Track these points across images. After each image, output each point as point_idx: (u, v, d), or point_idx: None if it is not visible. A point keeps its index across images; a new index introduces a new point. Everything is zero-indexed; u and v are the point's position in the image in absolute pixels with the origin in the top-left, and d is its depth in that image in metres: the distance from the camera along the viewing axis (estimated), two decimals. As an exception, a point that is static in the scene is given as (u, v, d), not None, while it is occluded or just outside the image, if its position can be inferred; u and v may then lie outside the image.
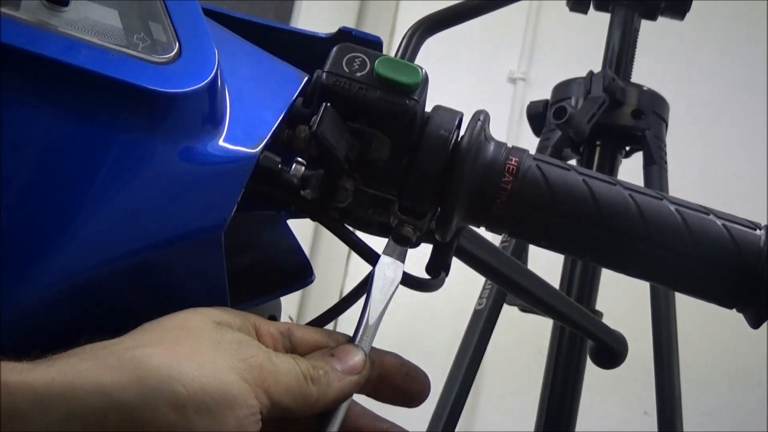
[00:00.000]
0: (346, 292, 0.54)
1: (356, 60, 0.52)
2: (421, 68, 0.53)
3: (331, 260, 2.39)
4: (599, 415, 1.96)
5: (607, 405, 2.02)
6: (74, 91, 0.43)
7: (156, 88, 0.44)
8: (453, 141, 0.53)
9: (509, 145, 0.55)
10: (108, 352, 0.41)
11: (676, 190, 0.60)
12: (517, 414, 2.07)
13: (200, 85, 0.46)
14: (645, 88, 1.25)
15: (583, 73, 1.23)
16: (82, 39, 0.44)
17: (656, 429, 1.20)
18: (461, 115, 0.54)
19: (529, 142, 1.04)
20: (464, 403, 1.21)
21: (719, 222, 0.53)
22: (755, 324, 0.53)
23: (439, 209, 0.54)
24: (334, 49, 0.53)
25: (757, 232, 0.53)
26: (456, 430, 1.20)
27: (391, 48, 2.34)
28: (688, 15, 1.25)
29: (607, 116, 1.20)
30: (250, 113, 0.50)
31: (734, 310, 0.54)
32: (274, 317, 0.65)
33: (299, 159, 0.55)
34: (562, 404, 1.22)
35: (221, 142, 0.47)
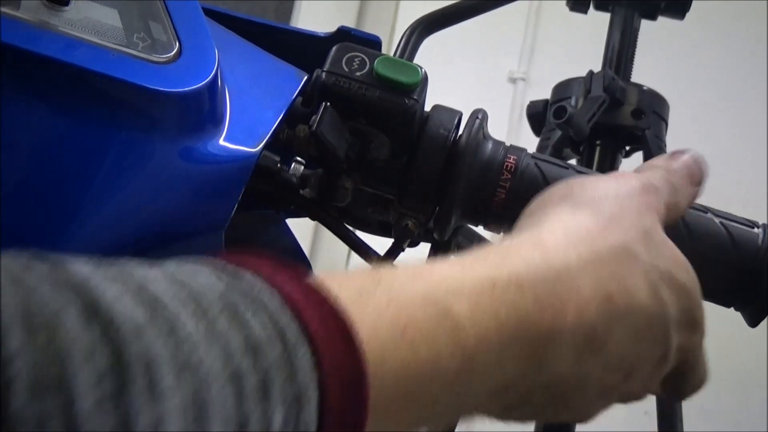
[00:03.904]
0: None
1: (356, 59, 0.52)
2: (421, 68, 0.53)
3: (331, 260, 2.39)
4: (599, 415, 1.96)
5: (607, 405, 2.02)
6: (74, 90, 0.43)
7: (156, 88, 0.44)
8: (452, 140, 0.53)
9: (508, 144, 0.55)
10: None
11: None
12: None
13: (200, 84, 0.46)
14: (645, 88, 1.25)
15: (583, 73, 1.23)
16: (82, 38, 0.44)
17: (656, 429, 1.20)
18: (460, 114, 0.54)
19: (529, 142, 1.04)
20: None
21: (717, 220, 0.53)
22: (753, 322, 0.54)
23: (438, 208, 0.54)
24: (334, 48, 0.53)
25: (755, 230, 0.53)
26: (456, 429, 1.20)
27: (391, 48, 2.34)
28: (688, 15, 1.25)
29: (607, 116, 1.20)
30: (250, 112, 0.50)
31: (732, 308, 0.54)
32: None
33: (298, 158, 0.55)
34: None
35: (221, 142, 0.47)
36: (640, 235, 0.42)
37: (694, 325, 0.45)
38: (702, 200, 0.54)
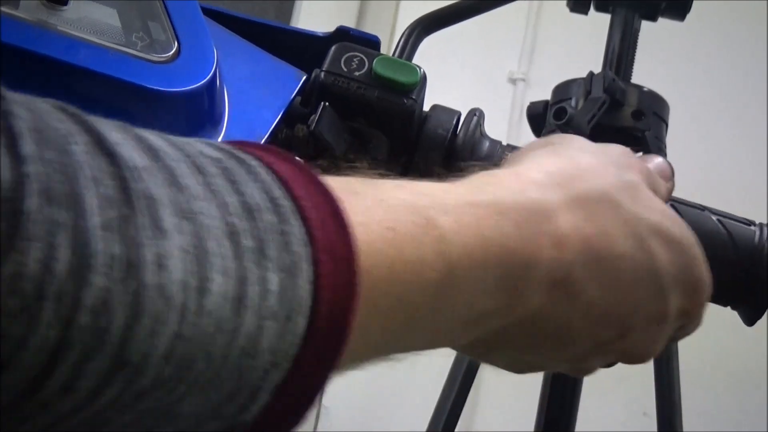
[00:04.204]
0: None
1: (354, 59, 0.52)
2: (420, 67, 0.53)
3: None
4: (599, 416, 1.96)
5: (606, 405, 2.02)
6: (72, 89, 0.43)
7: (154, 87, 0.44)
8: (449, 139, 0.53)
9: (505, 143, 0.55)
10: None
11: (676, 190, 0.61)
12: (517, 414, 2.06)
13: (199, 84, 0.46)
14: (645, 89, 1.24)
15: (584, 74, 1.23)
16: (81, 38, 0.44)
17: (656, 430, 1.20)
18: (459, 114, 0.54)
19: (529, 142, 1.04)
20: (464, 402, 1.21)
21: (714, 218, 0.53)
22: (750, 321, 0.53)
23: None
24: (333, 48, 0.53)
25: (752, 227, 0.53)
26: (456, 429, 1.20)
27: (392, 48, 2.34)
28: (689, 16, 1.25)
29: (607, 117, 1.20)
30: (248, 112, 0.50)
31: (729, 308, 0.54)
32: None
33: (297, 158, 0.55)
34: (562, 404, 1.22)
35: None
36: (622, 185, 0.42)
37: (695, 284, 0.43)
38: (702, 201, 0.55)
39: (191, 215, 0.25)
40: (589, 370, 0.45)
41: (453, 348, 0.42)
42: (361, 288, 0.29)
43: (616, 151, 0.45)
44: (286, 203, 0.28)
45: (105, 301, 0.22)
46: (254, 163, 0.29)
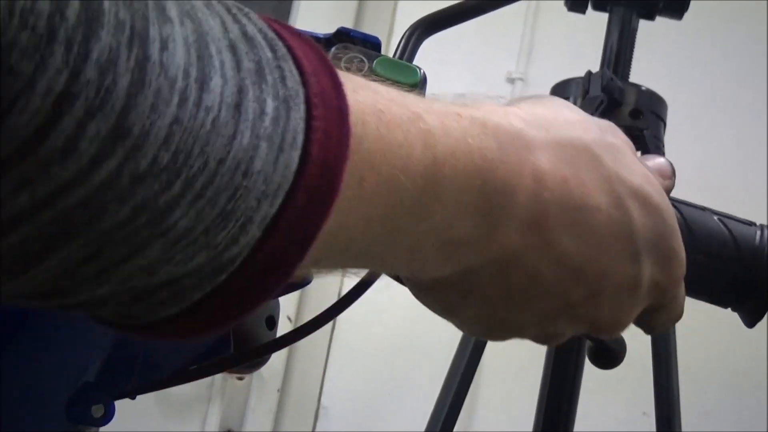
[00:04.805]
0: (344, 292, 0.54)
1: (355, 60, 0.52)
2: (420, 68, 0.53)
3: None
4: (598, 416, 1.96)
5: (605, 405, 2.02)
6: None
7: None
8: None
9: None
10: None
11: (674, 190, 0.60)
12: (516, 414, 2.06)
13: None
14: (643, 88, 1.25)
15: (582, 73, 1.23)
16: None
17: (655, 429, 1.20)
18: (459, 115, 0.54)
19: (528, 142, 1.04)
20: (463, 402, 1.21)
21: (715, 217, 0.53)
22: (750, 323, 0.53)
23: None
24: (333, 49, 0.53)
25: (753, 227, 0.53)
26: (454, 429, 1.20)
27: (389, 48, 2.34)
28: (687, 15, 1.25)
29: (606, 116, 1.20)
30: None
31: (729, 309, 0.54)
32: (272, 318, 0.65)
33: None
34: (561, 404, 1.22)
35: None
36: (604, 144, 0.41)
37: (670, 255, 0.43)
38: (701, 201, 0.54)
39: (195, 19, 0.25)
40: (557, 337, 0.44)
41: (423, 289, 0.41)
42: (351, 149, 0.29)
43: (604, 121, 0.45)
44: (281, 45, 0.28)
45: (111, 61, 0.22)
46: (251, 11, 0.29)
